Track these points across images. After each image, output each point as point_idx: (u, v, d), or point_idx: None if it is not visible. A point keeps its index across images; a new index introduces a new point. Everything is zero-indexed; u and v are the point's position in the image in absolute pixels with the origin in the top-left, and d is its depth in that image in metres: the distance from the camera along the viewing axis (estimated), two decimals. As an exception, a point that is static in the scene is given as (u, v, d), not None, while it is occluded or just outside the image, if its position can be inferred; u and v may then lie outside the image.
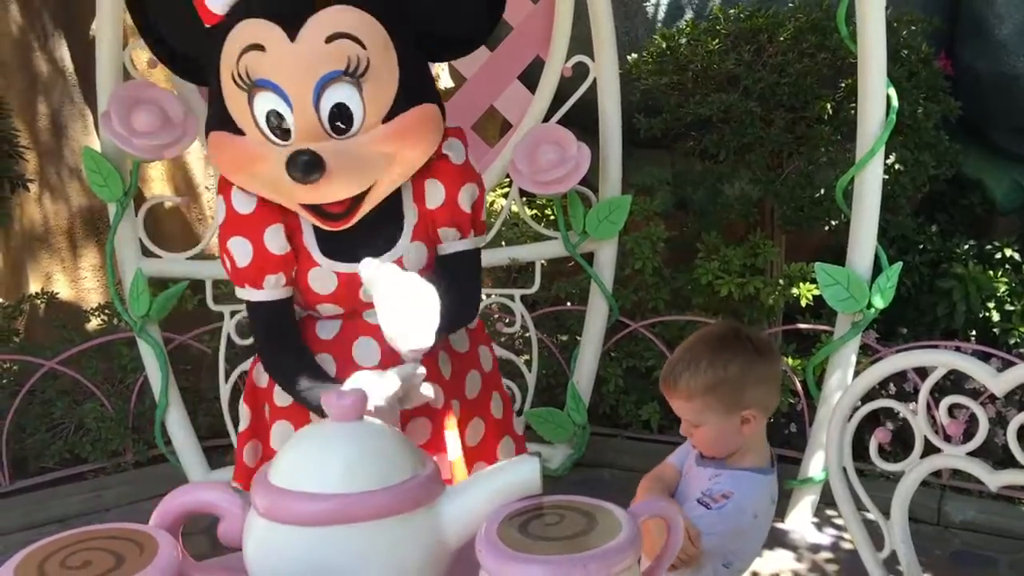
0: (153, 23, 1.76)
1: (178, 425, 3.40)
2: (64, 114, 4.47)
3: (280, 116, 1.62)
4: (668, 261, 3.98)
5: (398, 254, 1.82)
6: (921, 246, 4.04)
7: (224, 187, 1.78)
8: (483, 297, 3.68)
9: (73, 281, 4.53)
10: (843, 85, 3.47)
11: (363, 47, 1.62)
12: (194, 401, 3.78)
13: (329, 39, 1.59)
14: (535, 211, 4.11)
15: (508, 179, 3.49)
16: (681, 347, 1.63)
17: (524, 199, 3.96)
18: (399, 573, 1.13)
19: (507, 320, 3.74)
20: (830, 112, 3.44)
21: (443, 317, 1.68)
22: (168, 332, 3.54)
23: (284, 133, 1.63)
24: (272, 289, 1.78)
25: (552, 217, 4.10)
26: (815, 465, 3.12)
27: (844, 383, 3.02)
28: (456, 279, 1.84)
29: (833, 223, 3.53)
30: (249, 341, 3.20)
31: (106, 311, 4.16)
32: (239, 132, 1.65)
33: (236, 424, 2.41)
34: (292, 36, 1.57)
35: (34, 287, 4.44)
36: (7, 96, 3.91)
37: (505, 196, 4.18)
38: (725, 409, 1.55)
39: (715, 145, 3.61)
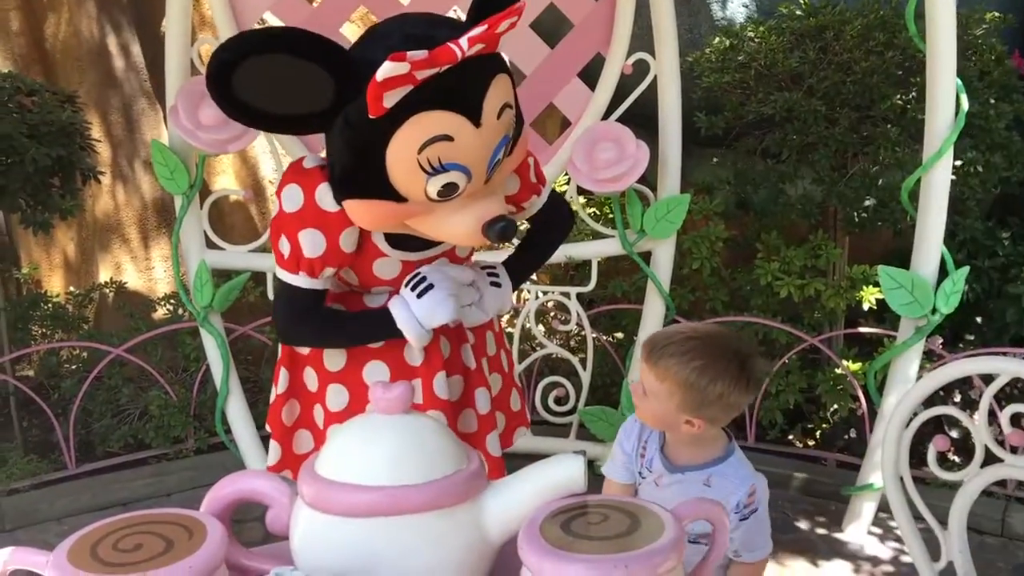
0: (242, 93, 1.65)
1: (238, 414, 3.46)
2: (135, 108, 4.60)
3: (455, 186, 1.68)
4: (727, 262, 3.93)
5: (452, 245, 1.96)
6: (991, 251, 3.92)
7: (304, 178, 1.79)
8: (539, 294, 3.69)
9: (141, 271, 4.65)
10: (912, 84, 3.38)
11: (512, 107, 1.72)
12: (254, 391, 3.85)
13: (499, 114, 1.68)
14: (593, 209, 4.09)
15: (566, 177, 3.48)
16: (687, 329, 1.63)
17: (582, 197, 3.95)
18: (442, 566, 1.14)
19: (563, 318, 3.73)
20: (897, 112, 3.35)
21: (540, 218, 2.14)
22: (229, 323, 3.61)
23: (448, 194, 1.70)
24: (324, 280, 1.85)
25: (610, 215, 4.08)
26: (875, 473, 3.05)
27: (906, 389, 2.95)
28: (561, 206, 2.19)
29: (899, 226, 3.44)
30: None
31: (172, 301, 4.26)
32: (400, 198, 1.69)
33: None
34: (476, 123, 1.63)
35: (104, 276, 4.58)
36: (81, 90, 4.03)
37: (563, 194, 4.18)
38: (682, 407, 1.56)
39: (777, 144, 3.55)
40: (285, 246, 1.82)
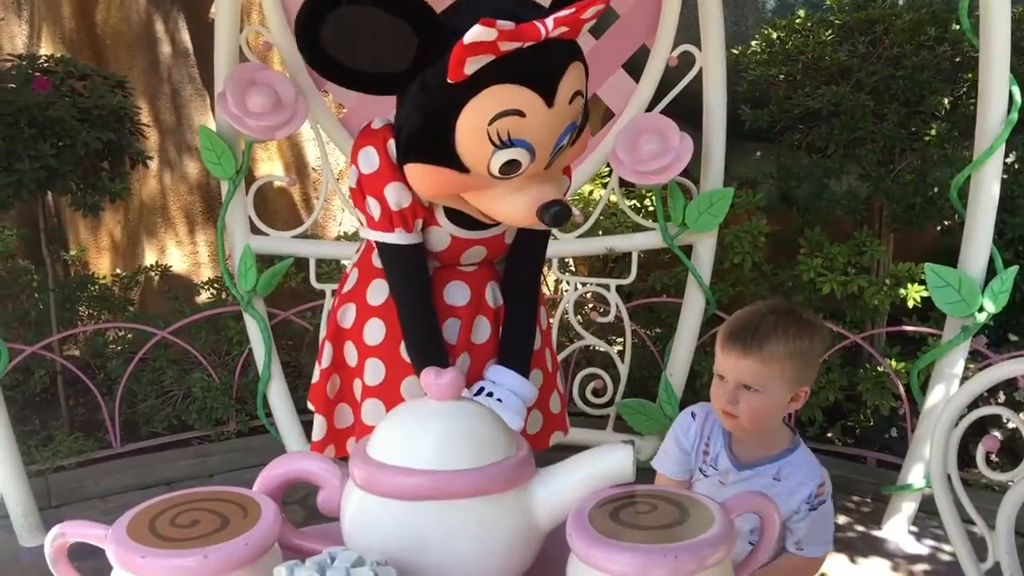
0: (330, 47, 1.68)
1: (279, 398, 3.50)
2: (183, 94, 4.66)
3: (518, 163, 1.70)
4: (769, 257, 3.90)
5: (504, 228, 2.00)
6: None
7: (374, 139, 1.84)
8: (579, 285, 3.69)
9: (187, 255, 4.72)
10: (963, 79, 3.33)
11: (583, 96, 1.76)
12: (294, 376, 3.90)
13: (571, 100, 1.71)
14: (634, 201, 4.08)
15: (608, 168, 3.47)
16: (751, 311, 1.61)
17: (623, 189, 3.94)
18: (489, 551, 1.15)
19: (602, 310, 3.73)
20: (947, 107, 3.30)
21: (512, 291, 2.06)
22: (272, 308, 3.65)
23: (510, 171, 1.72)
24: (418, 233, 1.91)
25: (651, 208, 4.06)
26: (915, 472, 3.02)
27: (950, 389, 2.91)
28: (531, 251, 2.09)
29: (946, 223, 3.40)
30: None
31: (215, 285, 4.32)
32: (462, 168, 1.72)
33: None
34: (549, 103, 1.66)
35: (149, 260, 4.65)
36: (130, 76, 4.08)
37: (604, 186, 4.17)
38: (792, 380, 1.56)
39: (824, 139, 3.51)
40: (374, 207, 1.87)
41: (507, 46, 1.55)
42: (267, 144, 4.83)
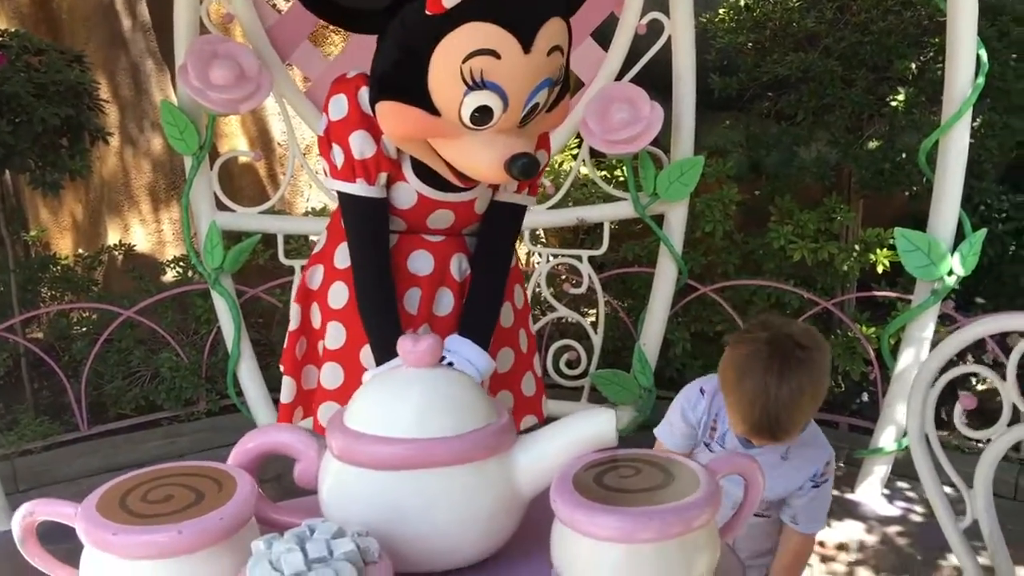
0: None
1: (250, 376, 3.46)
2: (143, 68, 4.56)
3: (490, 111, 1.66)
4: (739, 225, 3.91)
5: (475, 195, 1.95)
6: (1004, 214, 3.89)
7: (346, 86, 1.82)
8: (550, 257, 3.67)
9: (150, 233, 4.64)
10: (929, 44, 3.33)
11: (563, 55, 1.71)
12: (265, 354, 3.85)
13: (550, 52, 1.66)
14: (604, 172, 4.06)
15: (577, 139, 3.45)
16: (763, 388, 1.47)
17: (593, 160, 3.92)
18: (471, 519, 1.13)
19: (574, 281, 3.71)
20: (915, 72, 3.31)
21: (479, 260, 1.97)
22: (240, 285, 3.60)
23: (481, 121, 1.68)
24: (380, 187, 1.87)
25: (621, 178, 4.04)
26: (887, 436, 3.05)
27: (921, 352, 2.94)
28: (503, 226, 2.02)
29: (915, 188, 3.41)
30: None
31: (181, 263, 4.25)
32: (433, 110, 1.68)
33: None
34: (527, 48, 1.62)
35: (112, 239, 4.56)
36: (88, 50, 3.98)
37: (574, 157, 4.14)
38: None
39: (792, 106, 3.51)
40: (338, 155, 1.83)
41: None
42: (231, 119, 4.74)
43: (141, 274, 4.27)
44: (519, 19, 1.61)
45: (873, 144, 3.42)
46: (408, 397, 1.15)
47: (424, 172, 1.87)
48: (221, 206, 3.36)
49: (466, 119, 1.67)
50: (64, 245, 4.83)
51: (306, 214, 4.80)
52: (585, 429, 1.15)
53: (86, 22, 4.46)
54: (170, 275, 4.34)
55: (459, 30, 1.59)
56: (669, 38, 3.28)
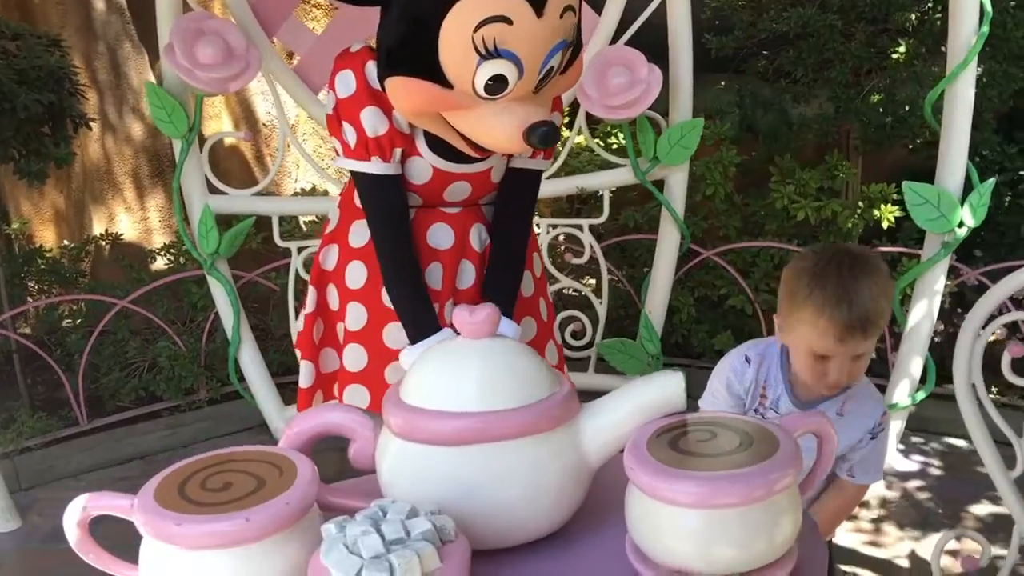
0: None
1: (252, 362, 3.40)
2: (121, 52, 4.44)
3: (504, 80, 1.60)
4: (737, 187, 3.87)
5: (490, 164, 1.91)
6: (999, 165, 3.88)
7: (352, 61, 1.77)
8: (550, 228, 3.62)
9: (137, 221, 4.54)
10: (929, -6, 3.30)
11: (575, 14, 1.66)
12: (262, 339, 3.78)
13: (563, 13, 1.61)
14: (598, 139, 4.00)
15: (569, 107, 3.39)
16: (842, 287, 1.47)
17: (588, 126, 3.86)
18: (540, 492, 1.09)
19: (576, 251, 3.67)
20: (914, 24, 3.27)
21: (499, 229, 1.95)
22: (234, 270, 3.52)
23: (496, 90, 1.62)
24: (396, 164, 1.82)
25: (614, 145, 4.00)
26: (901, 390, 3.03)
27: (932, 306, 2.93)
28: (519, 193, 1.99)
29: (918, 141, 3.39)
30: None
31: (172, 250, 4.16)
32: (445, 83, 1.62)
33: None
34: (539, 13, 1.57)
35: (98, 228, 4.46)
36: (63, 34, 3.86)
37: (569, 126, 4.09)
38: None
39: (792, 63, 3.46)
40: (350, 133, 1.78)
41: None
42: (214, 100, 4.64)
43: (130, 263, 4.18)
44: None
45: (873, 99, 3.38)
46: (469, 368, 1.10)
47: (438, 145, 1.83)
48: (213, 189, 3.28)
49: (480, 89, 1.62)
50: (48, 237, 4.72)
51: (295, 194, 4.72)
52: (653, 393, 1.11)
53: (59, 6, 4.34)
54: (160, 263, 4.26)
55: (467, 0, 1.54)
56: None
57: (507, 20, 1.55)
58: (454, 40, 1.57)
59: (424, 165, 1.86)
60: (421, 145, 1.84)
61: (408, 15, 1.60)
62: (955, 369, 1.70)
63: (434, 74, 1.62)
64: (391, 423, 1.11)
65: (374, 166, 1.81)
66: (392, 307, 1.90)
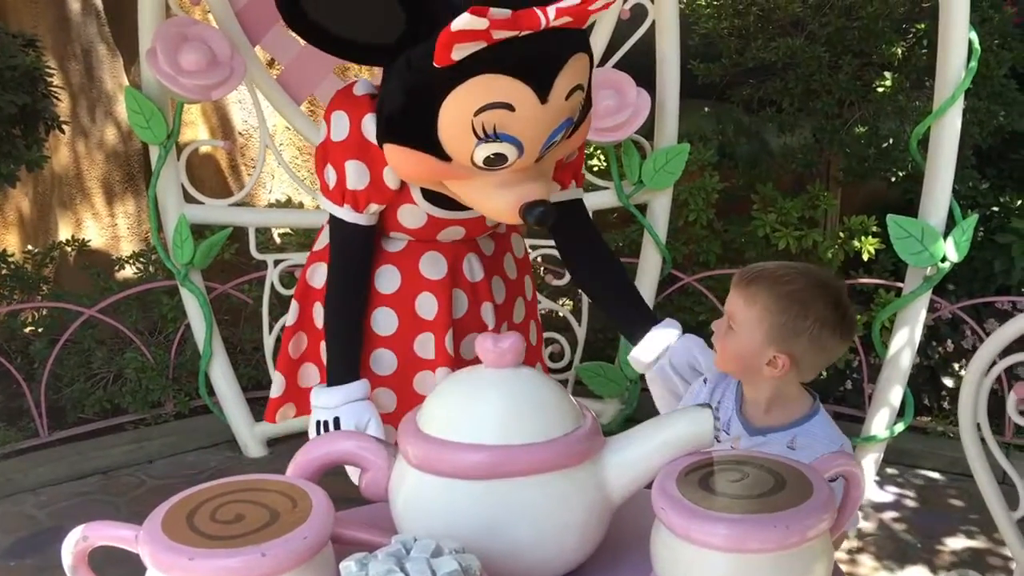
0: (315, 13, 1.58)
1: (222, 376, 3.32)
2: (95, 54, 4.34)
3: (504, 156, 1.56)
4: (718, 214, 3.88)
5: None
6: (972, 200, 3.92)
7: (352, 106, 1.73)
8: (530, 249, 3.59)
9: (105, 228, 4.42)
10: (915, 30, 3.33)
11: (583, 90, 1.61)
12: (233, 352, 3.69)
13: (569, 95, 1.56)
14: (581, 161, 3.99)
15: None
16: (784, 263, 1.53)
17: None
18: (562, 530, 1.05)
19: (556, 272, 3.64)
20: (900, 58, 3.30)
21: (592, 266, 1.94)
22: (206, 282, 3.44)
23: (495, 163, 1.59)
24: (369, 216, 1.80)
25: (596, 168, 3.98)
26: (879, 422, 3.04)
27: (913, 339, 2.94)
28: (576, 224, 1.95)
29: (900, 174, 3.41)
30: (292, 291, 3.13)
31: (141, 259, 4.06)
32: (444, 156, 1.58)
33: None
34: (543, 99, 1.51)
35: (64, 234, 4.34)
36: (36, 33, 3.76)
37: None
38: (769, 337, 1.46)
39: (779, 92, 3.48)
40: (331, 175, 1.77)
41: (501, 34, 1.41)
42: (190, 107, 4.55)
43: (97, 271, 4.06)
44: (535, 70, 1.50)
45: (857, 131, 3.40)
46: (491, 400, 1.06)
47: (433, 194, 1.80)
48: (189, 199, 3.20)
49: (479, 163, 1.58)
50: (10, 241, 4.57)
51: (270, 205, 4.64)
52: (681, 429, 1.08)
53: (32, 5, 4.23)
54: (128, 271, 4.15)
55: (470, 83, 1.48)
56: (653, 23, 3.22)
57: (509, 107, 1.50)
58: (453, 122, 1.53)
59: (419, 212, 1.84)
60: (416, 194, 1.81)
61: (409, 89, 1.57)
62: (960, 409, 1.69)
63: (433, 148, 1.59)
64: (408, 453, 1.06)
65: (346, 213, 1.80)
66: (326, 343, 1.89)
